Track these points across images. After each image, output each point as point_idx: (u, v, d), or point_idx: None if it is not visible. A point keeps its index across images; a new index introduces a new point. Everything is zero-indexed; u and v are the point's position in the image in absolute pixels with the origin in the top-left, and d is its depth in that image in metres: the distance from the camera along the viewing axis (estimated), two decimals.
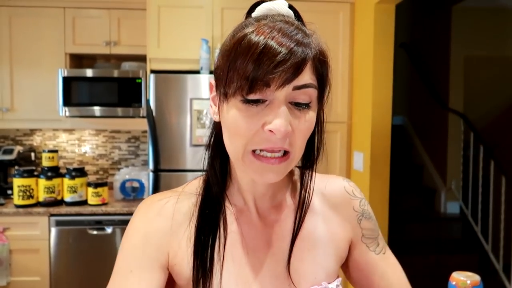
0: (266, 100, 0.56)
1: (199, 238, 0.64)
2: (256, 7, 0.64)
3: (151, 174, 2.42)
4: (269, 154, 0.58)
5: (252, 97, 0.56)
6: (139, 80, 2.69)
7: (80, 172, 2.64)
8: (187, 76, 2.42)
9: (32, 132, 3.14)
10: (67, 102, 2.69)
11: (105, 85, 2.71)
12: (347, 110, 2.62)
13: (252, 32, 0.57)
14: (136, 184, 2.82)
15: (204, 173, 0.70)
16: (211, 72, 2.46)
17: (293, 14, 0.63)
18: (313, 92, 0.58)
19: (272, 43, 0.55)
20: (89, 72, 2.70)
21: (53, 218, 2.53)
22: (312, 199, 0.71)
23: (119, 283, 0.60)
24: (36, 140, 3.14)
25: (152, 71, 2.52)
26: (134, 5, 2.77)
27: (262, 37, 0.55)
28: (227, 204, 0.69)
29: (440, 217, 3.96)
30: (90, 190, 2.60)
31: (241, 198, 0.69)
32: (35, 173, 2.62)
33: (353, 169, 2.58)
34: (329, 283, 0.68)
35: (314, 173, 0.70)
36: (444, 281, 0.99)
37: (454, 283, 1.05)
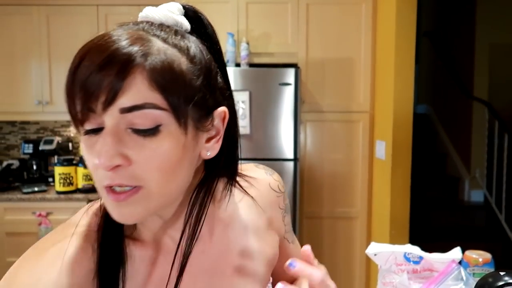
0: (103, 128, 0.45)
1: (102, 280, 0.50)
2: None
3: None
4: (118, 189, 0.46)
5: (87, 126, 0.45)
6: None
7: None
8: None
9: (68, 123, 3.33)
10: None
11: None
12: (369, 99, 2.68)
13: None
14: None
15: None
16: (236, 65, 2.56)
17: (184, 22, 0.53)
18: (159, 115, 0.45)
19: (86, 58, 0.43)
20: None
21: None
22: (238, 211, 0.62)
23: None
24: (72, 131, 3.34)
25: None
26: (162, 2, 2.87)
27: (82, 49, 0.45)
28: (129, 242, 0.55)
29: (464, 205, 3.97)
30: None
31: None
32: (74, 161, 2.80)
33: (376, 158, 2.65)
34: None
35: (229, 191, 0.60)
36: None
37: (467, 260, 1.14)
